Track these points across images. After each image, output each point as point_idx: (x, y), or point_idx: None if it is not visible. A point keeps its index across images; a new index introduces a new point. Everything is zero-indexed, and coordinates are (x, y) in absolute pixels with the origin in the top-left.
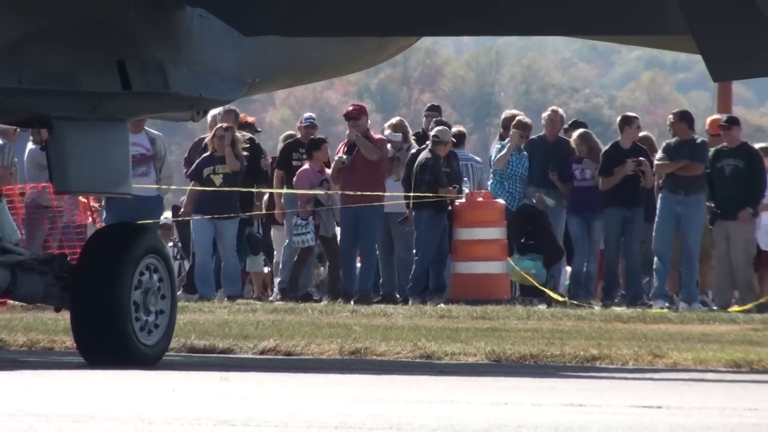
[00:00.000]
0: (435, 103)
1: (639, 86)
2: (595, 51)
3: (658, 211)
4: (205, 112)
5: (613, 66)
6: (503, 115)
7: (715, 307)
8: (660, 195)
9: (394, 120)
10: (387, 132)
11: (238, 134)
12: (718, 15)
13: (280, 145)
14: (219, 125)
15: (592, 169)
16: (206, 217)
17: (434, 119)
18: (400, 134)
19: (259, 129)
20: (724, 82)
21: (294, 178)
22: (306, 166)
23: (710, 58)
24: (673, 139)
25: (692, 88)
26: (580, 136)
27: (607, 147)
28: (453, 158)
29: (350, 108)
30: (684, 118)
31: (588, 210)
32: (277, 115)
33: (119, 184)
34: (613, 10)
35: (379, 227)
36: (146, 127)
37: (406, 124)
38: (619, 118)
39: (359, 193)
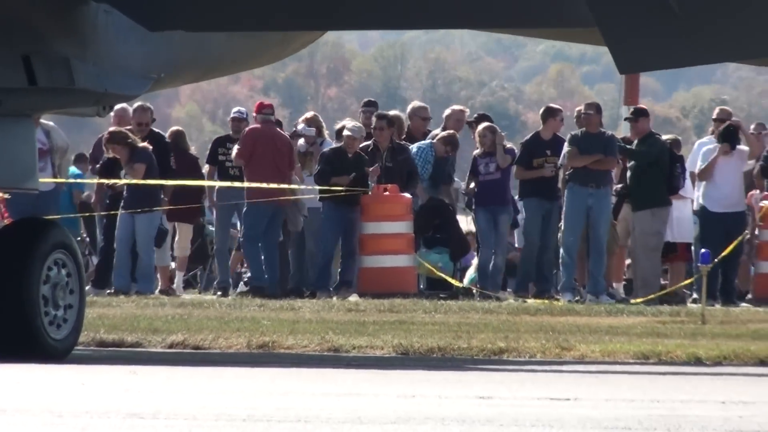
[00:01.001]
0: (371, 99)
1: (546, 79)
2: (501, 45)
3: (566, 204)
4: (111, 108)
5: (519, 59)
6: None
7: (623, 299)
8: (568, 187)
9: (308, 114)
10: (301, 126)
11: (132, 137)
12: (624, 7)
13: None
14: (108, 132)
15: (498, 162)
16: (125, 212)
17: (374, 114)
18: (314, 129)
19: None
20: (631, 75)
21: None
22: None
23: (616, 51)
24: (580, 131)
25: (599, 81)
26: (485, 128)
27: (527, 137)
28: (398, 152)
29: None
30: (599, 111)
31: (494, 203)
32: (183, 110)
33: (25, 179)
34: (520, 3)
35: (280, 222)
36: (41, 120)
37: (320, 118)
38: (542, 110)
39: (265, 185)
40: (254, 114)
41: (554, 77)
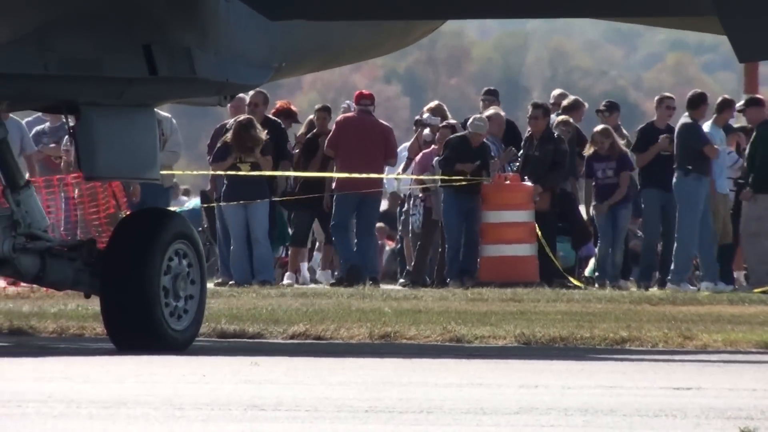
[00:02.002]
0: (491, 87)
1: (665, 68)
2: (620, 33)
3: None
4: (233, 97)
5: (638, 48)
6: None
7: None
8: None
9: (432, 104)
10: (426, 116)
11: (258, 129)
12: None
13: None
14: (241, 119)
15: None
16: (239, 203)
17: (530, 103)
18: (439, 118)
19: (299, 120)
20: (751, 63)
21: (418, 157)
22: (431, 149)
23: (736, 39)
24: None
25: (718, 69)
26: (601, 133)
27: (643, 125)
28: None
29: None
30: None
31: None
32: (305, 99)
33: (147, 169)
34: None
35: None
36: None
37: (445, 107)
38: (657, 98)
39: (357, 175)
40: (354, 104)
41: (673, 65)
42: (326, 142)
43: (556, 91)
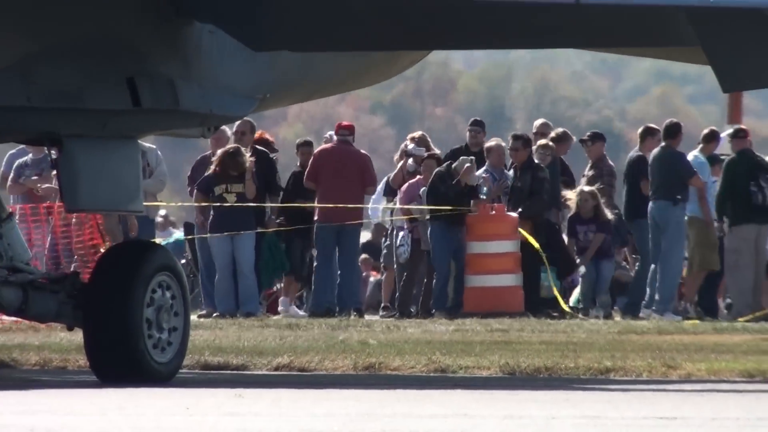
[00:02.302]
0: (478, 118)
1: (650, 99)
2: (606, 64)
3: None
4: (216, 128)
5: (623, 79)
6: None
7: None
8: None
9: (416, 134)
10: (411, 146)
11: (245, 157)
12: (728, 26)
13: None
14: (228, 147)
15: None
16: (223, 234)
17: (511, 135)
18: (423, 148)
19: (276, 148)
20: (734, 93)
21: (403, 188)
22: (416, 179)
23: (720, 69)
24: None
25: (702, 101)
26: (588, 192)
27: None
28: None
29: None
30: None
31: (596, 256)
32: (291, 130)
33: (130, 201)
34: (624, 22)
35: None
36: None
37: (428, 138)
38: (641, 129)
39: (339, 205)
40: (334, 134)
41: (658, 97)
42: (305, 175)
43: (539, 121)
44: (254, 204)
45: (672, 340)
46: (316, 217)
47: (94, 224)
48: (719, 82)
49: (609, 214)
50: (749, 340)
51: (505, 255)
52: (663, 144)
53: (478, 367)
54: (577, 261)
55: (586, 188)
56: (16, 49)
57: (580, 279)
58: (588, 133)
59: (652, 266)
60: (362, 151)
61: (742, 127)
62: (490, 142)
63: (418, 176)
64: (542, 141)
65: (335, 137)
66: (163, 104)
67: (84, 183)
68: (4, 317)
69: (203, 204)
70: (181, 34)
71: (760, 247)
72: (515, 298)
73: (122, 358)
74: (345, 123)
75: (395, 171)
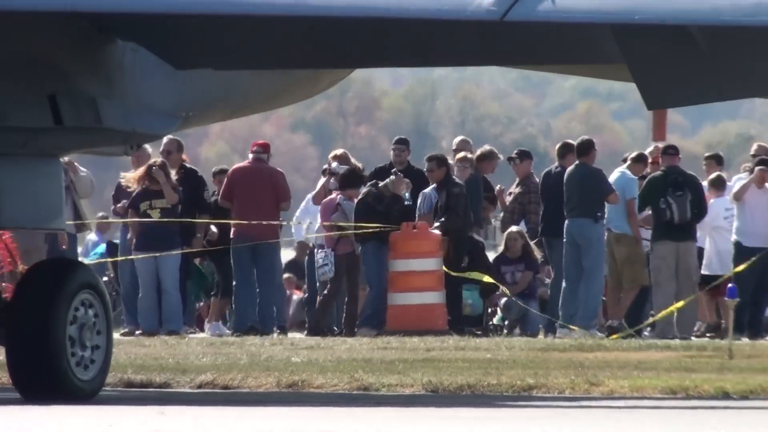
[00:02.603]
0: (402, 136)
1: (575, 116)
2: (530, 82)
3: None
4: (139, 146)
5: (548, 96)
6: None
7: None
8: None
9: (338, 151)
10: (334, 165)
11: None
12: (652, 44)
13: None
14: (151, 161)
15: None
16: (147, 254)
17: (426, 157)
18: (346, 166)
19: (189, 165)
20: (659, 111)
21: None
22: (333, 196)
23: (644, 87)
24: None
25: (628, 117)
26: (516, 233)
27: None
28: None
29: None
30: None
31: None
32: (213, 149)
33: (52, 219)
34: (549, 40)
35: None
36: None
37: (349, 155)
38: (558, 145)
39: (255, 222)
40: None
41: (583, 113)
42: (220, 194)
43: (458, 138)
44: (177, 220)
45: (594, 358)
46: (232, 236)
47: (1, 246)
48: (644, 99)
49: (537, 253)
50: (672, 356)
51: (428, 273)
52: (577, 162)
53: (401, 384)
54: (503, 299)
55: (514, 228)
56: None
57: (503, 300)
58: (516, 151)
59: (564, 284)
60: (277, 168)
61: (672, 144)
62: (460, 154)
63: (336, 193)
64: (460, 155)
65: (251, 155)
66: (86, 122)
67: (5, 201)
68: None
69: (133, 220)
70: (103, 52)
71: (683, 264)
72: (438, 316)
73: (45, 376)
74: (260, 141)
75: (317, 189)
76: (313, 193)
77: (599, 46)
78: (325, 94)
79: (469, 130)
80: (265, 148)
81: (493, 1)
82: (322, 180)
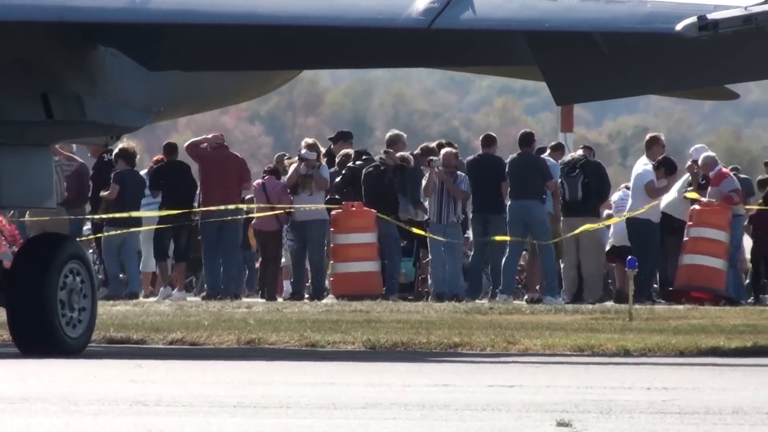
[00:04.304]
0: (345, 130)
1: (492, 110)
2: (454, 81)
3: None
4: (119, 137)
5: (469, 93)
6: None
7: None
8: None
9: (309, 140)
10: (303, 151)
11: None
12: (561, 48)
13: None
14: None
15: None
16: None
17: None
18: (315, 153)
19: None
20: (567, 106)
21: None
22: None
23: (553, 85)
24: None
25: (539, 111)
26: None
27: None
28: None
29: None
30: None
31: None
32: (181, 139)
33: (45, 200)
34: (470, 45)
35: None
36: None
37: (319, 145)
38: (482, 137)
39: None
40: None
41: (500, 108)
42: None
43: (391, 132)
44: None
45: (512, 320)
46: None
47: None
48: (553, 96)
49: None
50: (580, 319)
51: (365, 245)
52: (520, 151)
53: (343, 342)
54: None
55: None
56: None
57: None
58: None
59: (507, 256)
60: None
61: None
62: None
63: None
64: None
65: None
66: (73, 116)
67: (4, 183)
68: None
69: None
70: (88, 57)
71: (581, 240)
72: (375, 283)
73: (40, 334)
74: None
75: (290, 173)
76: (287, 176)
77: (514, 50)
78: (278, 91)
79: (401, 123)
80: (222, 138)
81: (421, 10)
82: (294, 165)
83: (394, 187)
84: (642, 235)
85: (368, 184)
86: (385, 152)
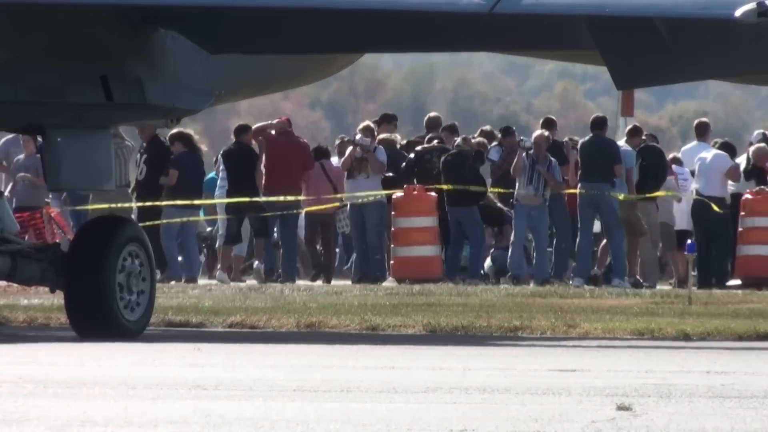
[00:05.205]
0: (389, 112)
1: (552, 95)
2: (514, 65)
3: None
4: (179, 120)
5: (530, 78)
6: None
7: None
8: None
9: (363, 125)
10: (358, 136)
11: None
12: (621, 33)
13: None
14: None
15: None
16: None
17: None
18: (369, 138)
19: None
20: (627, 90)
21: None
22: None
23: (614, 70)
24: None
25: (599, 95)
26: None
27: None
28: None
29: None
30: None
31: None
32: (240, 122)
33: (103, 181)
34: (532, 30)
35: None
36: None
37: (374, 129)
38: (542, 120)
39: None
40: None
41: (560, 92)
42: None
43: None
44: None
45: (572, 303)
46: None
47: (57, 219)
48: (613, 80)
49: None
50: (640, 303)
51: (426, 229)
52: (592, 134)
53: (404, 325)
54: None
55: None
56: (6, 51)
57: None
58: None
59: (579, 240)
60: (303, 139)
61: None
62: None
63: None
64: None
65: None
66: (132, 99)
67: (64, 166)
68: None
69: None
70: (148, 39)
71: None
72: (436, 266)
73: (97, 317)
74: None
75: (345, 157)
76: (342, 160)
77: (574, 35)
78: (337, 76)
79: (461, 107)
80: (289, 122)
81: None
82: (349, 149)
83: (477, 172)
84: (715, 221)
85: (449, 170)
86: (463, 139)
